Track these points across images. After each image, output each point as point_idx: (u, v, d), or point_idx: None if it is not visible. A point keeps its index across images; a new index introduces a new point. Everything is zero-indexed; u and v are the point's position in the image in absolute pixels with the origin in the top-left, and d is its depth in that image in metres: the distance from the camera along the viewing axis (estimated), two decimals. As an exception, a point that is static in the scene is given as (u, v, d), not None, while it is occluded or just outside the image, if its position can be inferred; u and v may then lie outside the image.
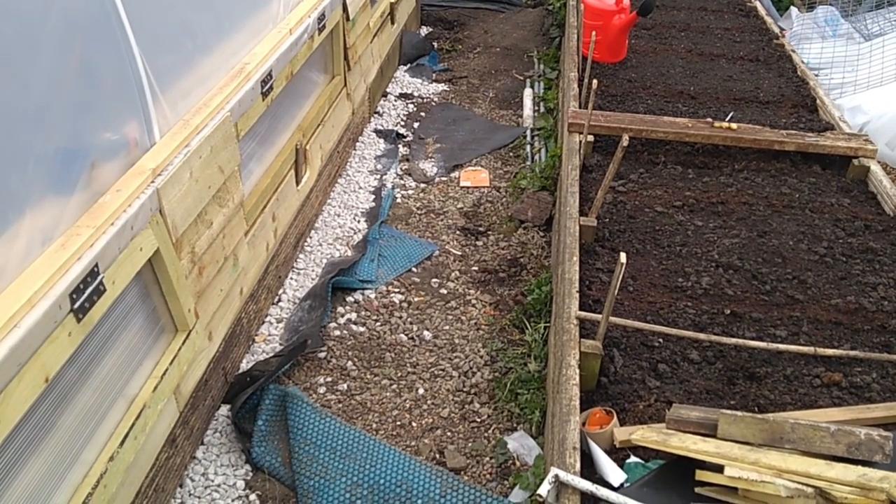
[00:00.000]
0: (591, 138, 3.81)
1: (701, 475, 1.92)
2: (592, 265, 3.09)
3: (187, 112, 2.82)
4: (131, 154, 2.47)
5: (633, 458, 2.21)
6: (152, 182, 2.41)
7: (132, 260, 2.25)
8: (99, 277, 2.08)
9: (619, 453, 2.28)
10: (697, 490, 1.93)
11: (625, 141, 2.97)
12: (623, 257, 2.33)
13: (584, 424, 2.39)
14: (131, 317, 2.36)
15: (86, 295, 2.01)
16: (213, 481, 2.80)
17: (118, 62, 2.42)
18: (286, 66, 3.59)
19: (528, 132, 5.41)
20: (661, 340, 2.70)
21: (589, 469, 2.24)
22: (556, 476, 2.01)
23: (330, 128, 4.45)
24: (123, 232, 2.20)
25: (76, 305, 1.97)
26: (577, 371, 2.43)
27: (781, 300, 2.89)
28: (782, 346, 2.61)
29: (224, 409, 3.05)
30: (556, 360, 2.85)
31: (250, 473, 2.85)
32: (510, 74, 6.52)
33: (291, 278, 3.81)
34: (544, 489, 1.98)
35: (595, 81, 3.62)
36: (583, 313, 2.65)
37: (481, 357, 3.38)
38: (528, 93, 6.00)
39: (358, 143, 5.14)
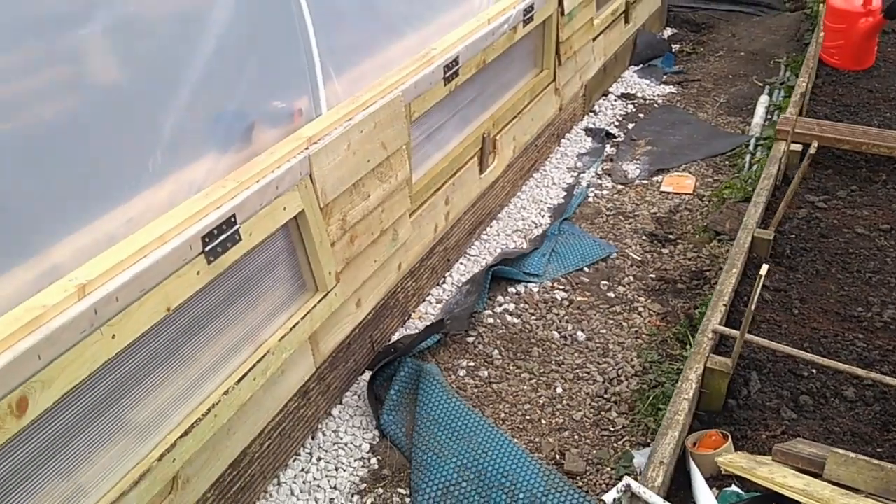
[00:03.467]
0: (796, 147, 3.42)
1: (787, 518, 1.67)
2: (759, 281, 2.78)
3: (361, 90, 2.99)
4: (295, 123, 2.69)
5: (733, 487, 1.96)
6: (306, 149, 2.59)
7: (273, 217, 2.45)
8: (235, 227, 2.29)
9: (724, 480, 2.04)
10: (783, 534, 1.68)
11: (812, 149, 2.65)
12: (764, 269, 2.08)
13: (695, 444, 2.17)
14: (270, 268, 2.57)
15: (219, 241, 2.23)
16: (341, 439, 2.96)
17: (292, 38, 2.64)
18: (478, 54, 3.65)
19: (752, 141, 4.97)
20: (813, 371, 2.36)
21: (686, 491, 2.03)
22: (628, 486, 1.86)
23: (528, 121, 4.44)
24: (267, 189, 2.40)
25: (207, 248, 2.19)
26: (694, 385, 2.21)
27: None
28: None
29: (367, 375, 3.21)
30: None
31: (377, 438, 2.97)
32: (749, 80, 6.02)
33: (461, 263, 3.89)
34: (609, 497, 1.83)
35: (808, 86, 3.25)
36: (720, 328, 2.40)
37: (632, 366, 3.20)
38: (762, 100, 5.50)
39: (563, 140, 5.08)
